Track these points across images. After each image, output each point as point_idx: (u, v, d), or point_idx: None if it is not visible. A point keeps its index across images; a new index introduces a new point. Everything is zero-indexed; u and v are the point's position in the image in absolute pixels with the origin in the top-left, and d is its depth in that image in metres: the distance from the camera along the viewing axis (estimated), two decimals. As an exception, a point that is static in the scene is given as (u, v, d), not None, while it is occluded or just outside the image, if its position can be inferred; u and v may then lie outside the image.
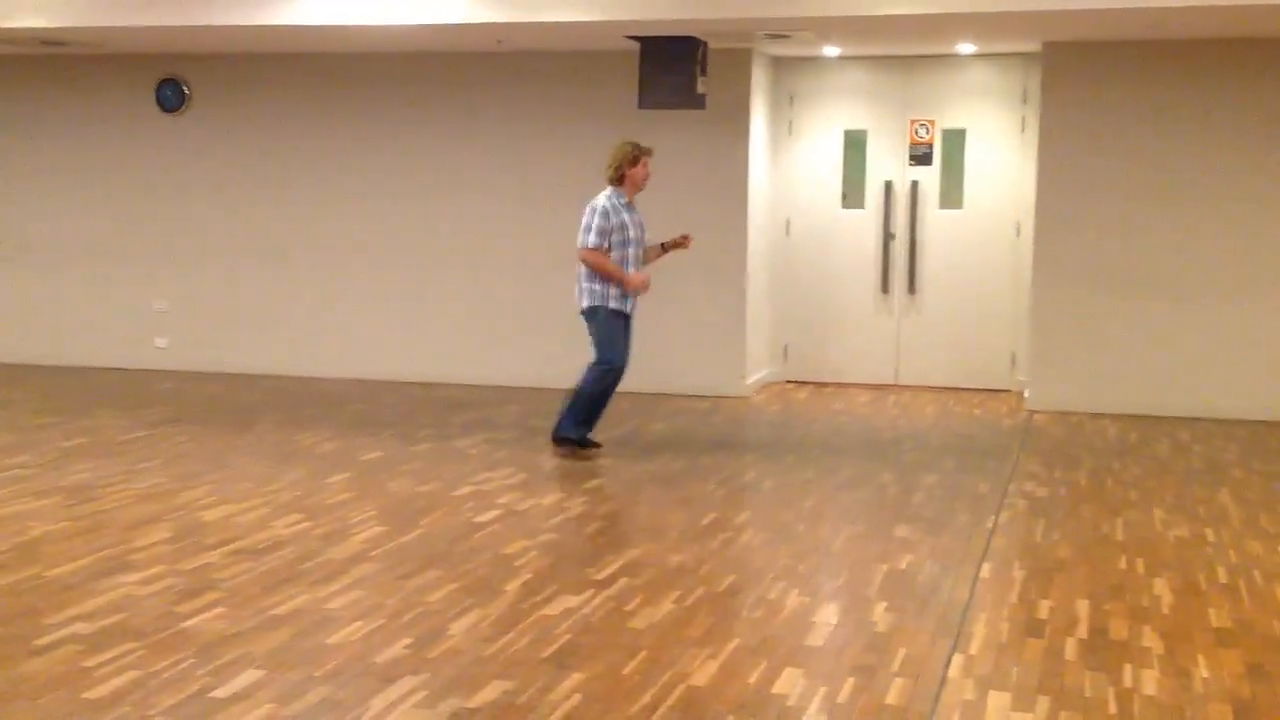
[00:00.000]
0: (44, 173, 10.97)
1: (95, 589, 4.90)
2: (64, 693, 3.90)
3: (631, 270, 7.45)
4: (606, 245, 7.34)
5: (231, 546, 5.54)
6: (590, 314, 7.49)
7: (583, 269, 7.43)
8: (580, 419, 7.56)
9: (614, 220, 7.34)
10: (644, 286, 7.46)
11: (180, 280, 10.76)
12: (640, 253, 7.52)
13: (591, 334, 7.52)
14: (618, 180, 7.44)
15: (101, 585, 4.95)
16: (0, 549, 5.42)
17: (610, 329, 7.46)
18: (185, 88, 10.63)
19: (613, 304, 7.43)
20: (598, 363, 7.50)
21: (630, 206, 7.48)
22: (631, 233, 7.43)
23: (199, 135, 10.66)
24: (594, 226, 7.33)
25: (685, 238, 7.78)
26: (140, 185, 10.79)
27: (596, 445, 7.63)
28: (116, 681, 3.99)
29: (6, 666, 4.09)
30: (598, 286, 7.40)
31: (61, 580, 5.01)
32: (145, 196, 10.79)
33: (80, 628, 4.47)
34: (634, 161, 7.43)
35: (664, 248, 7.74)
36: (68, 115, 10.89)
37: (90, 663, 4.15)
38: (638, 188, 7.51)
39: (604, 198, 7.41)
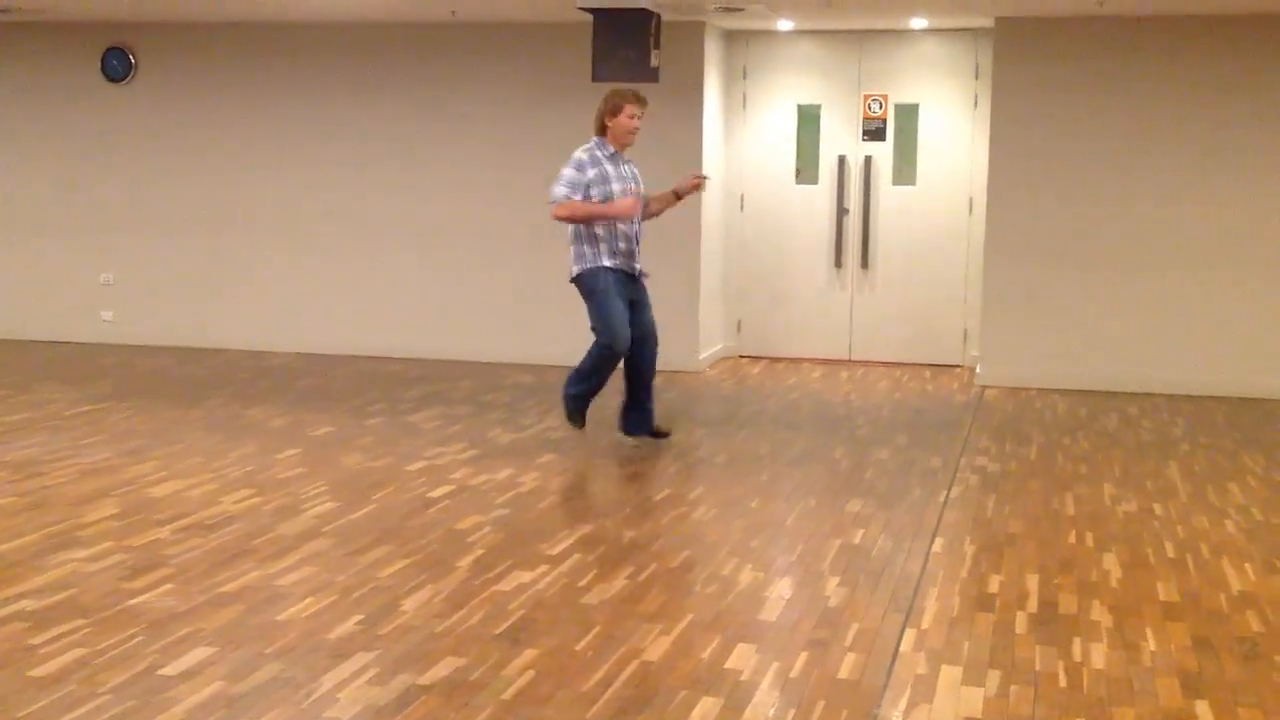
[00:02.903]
0: (-14, 142, 10.77)
1: (42, 565, 4.84)
2: (9, 671, 3.85)
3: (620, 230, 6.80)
4: (580, 199, 6.70)
5: (181, 523, 5.47)
6: (578, 283, 6.86)
7: (569, 231, 6.83)
8: (574, 387, 7.02)
9: (592, 172, 6.72)
10: (632, 208, 6.72)
11: (126, 252, 10.61)
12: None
13: (588, 310, 6.91)
14: (600, 131, 6.87)
15: (48, 562, 4.88)
16: (-57, 525, 5.34)
17: (602, 300, 6.76)
18: (132, 56, 10.46)
19: (605, 261, 6.77)
20: (595, 343, 6.88)
21: (618, 158, 6.87)
22: (615, 186, 6.76)
23: (146, 105, 10.50)
24: (563, 176, 6.73)
25: (698, 178, 7.16)
26: (85, 156, 10.62)
27: (580, 425, 7.11)
28: (63, 659, 3.94)
29: (-50, 645, 4.03)
30: (585, 248, 6.78)
31: (7, 557, 4.94)
32: (90, 167, 10.62)
33: (26, 604, 4.41)
34: (614, 110, 6.81)
35: (676, 195, 7.15)
36: (11, 84, 10.69)
37: (36, 640, 4.09)
38: (621, 141, 6.86)
39: (582, 148, 6.84)
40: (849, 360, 10.37)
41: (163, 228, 10.55)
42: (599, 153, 6.80)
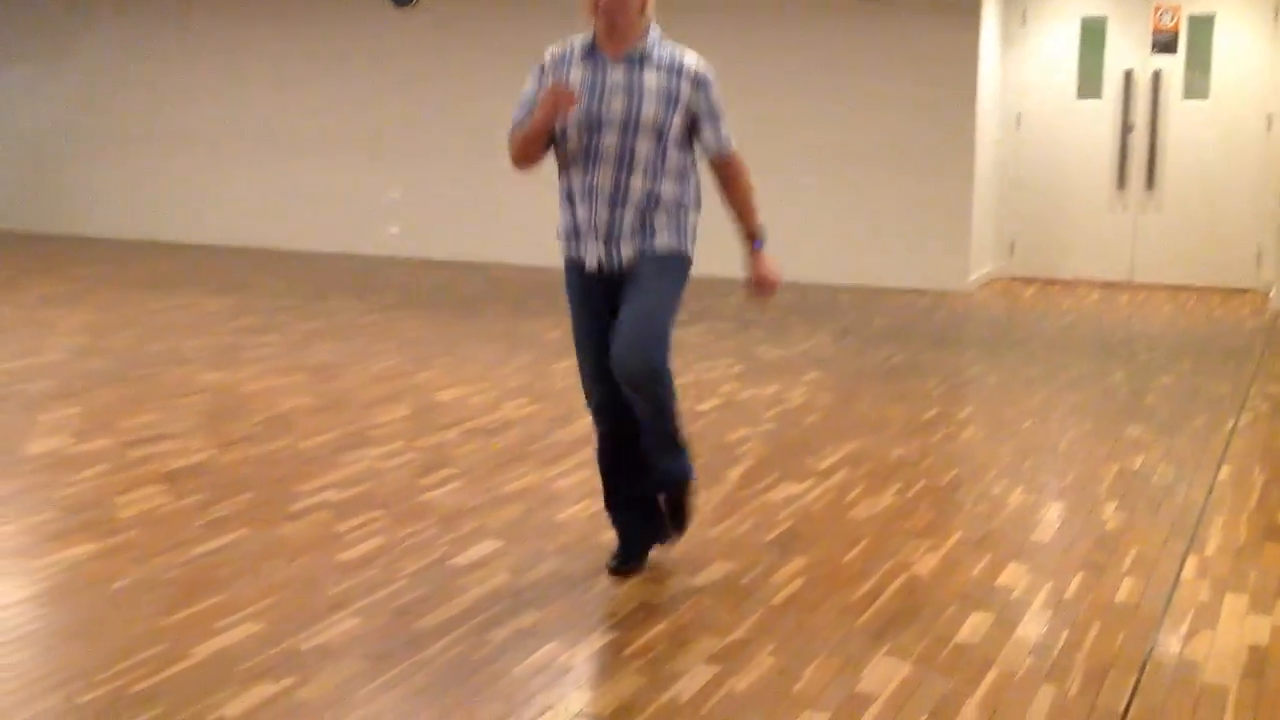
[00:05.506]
0: (284, 67, 11.39)
1: (341, 461, 5.19)
2: (319, 554, 4.17)
3: (594, 185, 3.91)
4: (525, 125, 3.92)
5: (465, 426, 5.76)
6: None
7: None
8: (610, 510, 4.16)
9: (548, 84, 3.89)
10: (559, 103, 3.77)
11: (411, 171, 11.08)
12: (622, 143, 3.83)
13: None
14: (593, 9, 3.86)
15: (347, 458, 5.23)
16: (255, 421, 5.78)
17: (572, 316, 4.16)
18: (416, -19, 10.86)
19: (566, 246, 4.08)
20: None
21: (602, 58, 3.87)
22: (591, 105, 3.83)
23: (429, 28, 10.89)
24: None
25: (766, 285, 4.08)
26: (374, 78, 11.11)
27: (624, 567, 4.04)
28: (365, 546, 4.24)
29: (265, 529, 4.39)
30: (559, 216, 4.08)
31: (310, 452, 5.32)
32: (378, 89, 11.10)
33: (330, 495, 4.75)
34: None
35: (751, 239, 4.08)
36: (303, 11, 11.25)
37: (341, 528, 4.41)
38: (603, 29, 3.85)
39: (552, 48, 4.00)
40: (1130, 283, 9.96)
41: (443, 147, 10.96)
42: (575, 50, 3.93)
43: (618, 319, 3.88)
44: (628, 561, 4.05)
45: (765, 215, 3.82)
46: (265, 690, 3.22)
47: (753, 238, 4.05)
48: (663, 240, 3.93)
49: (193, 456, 5.21)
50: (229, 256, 11.07)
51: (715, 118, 3.95)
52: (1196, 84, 9.74)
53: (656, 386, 3.86)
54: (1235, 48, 9.58)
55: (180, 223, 11.80)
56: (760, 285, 4.05)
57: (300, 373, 6.76)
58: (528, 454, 5.35)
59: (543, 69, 3.96)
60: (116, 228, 11.91)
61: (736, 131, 4.02)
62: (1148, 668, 3.43)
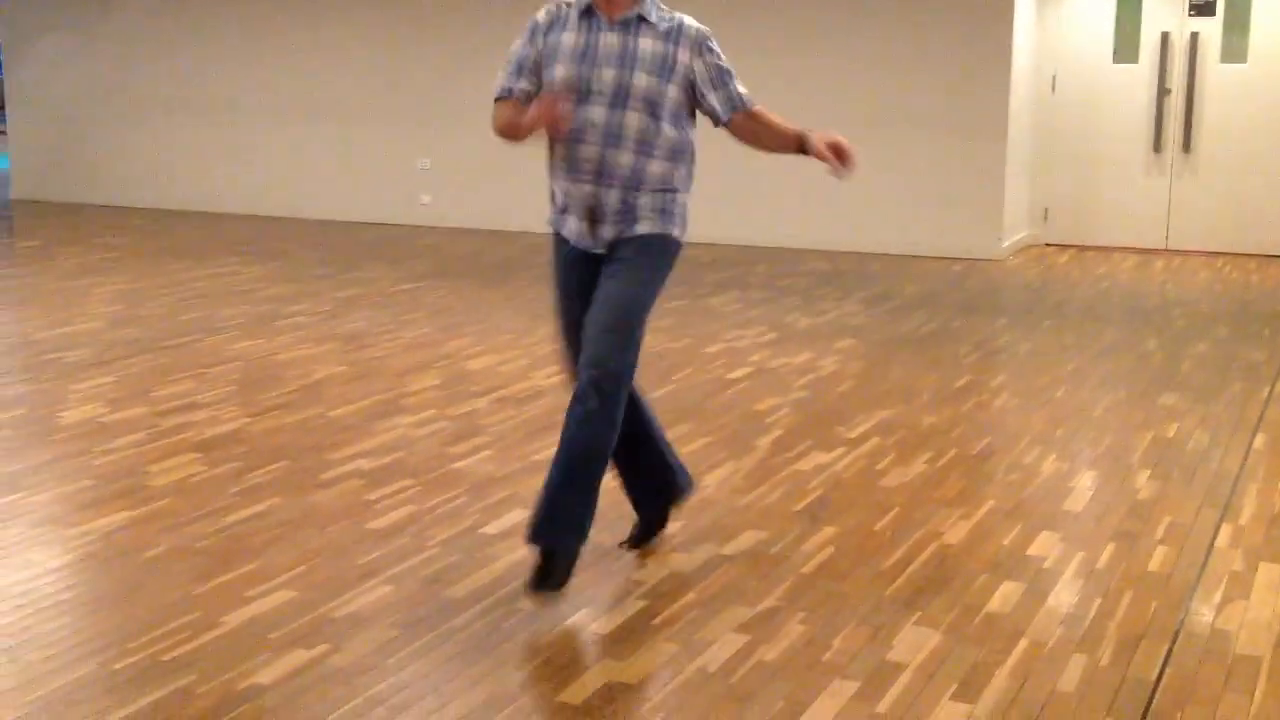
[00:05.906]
0: (317, 36, 11.39)
1: (373, 429, 5.21)
2: (350, 522, 4.19)
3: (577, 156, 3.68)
4: (515, 91, 3.78)
5: (496, 394, 5.78)
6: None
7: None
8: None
9: (542, 43, 3.70)
10: (551, 115, 3.53)
11: (442, 139, 11.08)
12: (611, 116, 3.60)
13: None
14: None
15: (379, 426, 5.25)
16: (288, 390, 5.81)
17: (553, 289, 3.91)
18: (445, -52, 10.81)
19: (555, 222, 3.89)
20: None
21: (597, 18, 3.65)
22: (559, 70, 3.63)
23: (459, -5, 10.87)
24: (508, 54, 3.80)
25: (839, 151, 3.72)
26: (404, 46, 11.08)
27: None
28: (396, 514, 4.26)
29: (297, 497, 4.42)
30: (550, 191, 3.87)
31: (342, 420, 5.34)
32: (412, 57, 11.08)
33: (362, 464, 4.77)
34: None
35: (802, 146, 3.81)
36: (336, -22, 11.24)
37: (372, 496, 4.43)
38: None
39: (548, 6, 3.75)
40: (1166, 249, 9.87)
41: (475, 115, 10.93)
42: (569, 11, 3.71)
43: (593, 304, 3.65)
44: (640, 540, 4.02)
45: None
46: (297, 658, 3.24)
47: (801, 139, 3.76)
48: (648, 224, 3.70)
49: (225, 425, 5.24)
50: (261, 226, 11.11)
51: (723, 81, 3.74)
52: (1235, 47, 9.60)
53: (614, 393, 3.62)
54: (1274, 10, 9.43)
55: (212, 192, 11.85)
56: (837, 155, 3.68)
57: (332, 341, 6.78)
58: (558, 423, 5.23)
59: (535, 28, 3.70)
60: (148, 197, 11.98)
61: (762, 94, 3.96)
62: (1180, 637, 3.41)
